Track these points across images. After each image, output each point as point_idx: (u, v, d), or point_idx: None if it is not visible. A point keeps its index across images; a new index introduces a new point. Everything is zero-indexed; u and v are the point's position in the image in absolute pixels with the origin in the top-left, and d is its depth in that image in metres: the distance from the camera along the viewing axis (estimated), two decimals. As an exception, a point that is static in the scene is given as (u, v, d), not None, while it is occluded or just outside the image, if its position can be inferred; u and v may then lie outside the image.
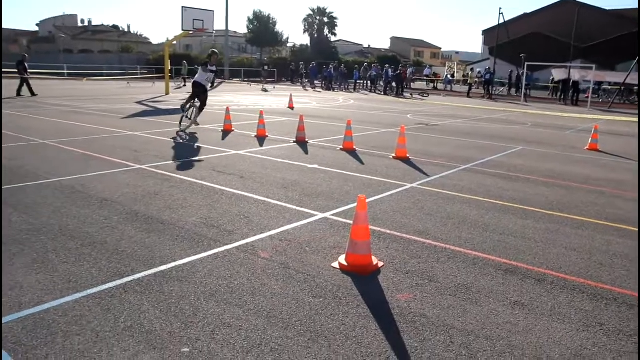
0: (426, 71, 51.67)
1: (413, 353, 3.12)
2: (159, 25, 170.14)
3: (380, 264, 4.46)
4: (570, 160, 10.70)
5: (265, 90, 32.40)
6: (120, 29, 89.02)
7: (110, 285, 3.87)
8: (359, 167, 8.77)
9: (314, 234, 5.23)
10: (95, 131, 12.02)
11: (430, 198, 6.85)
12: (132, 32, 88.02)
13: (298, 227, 5.40)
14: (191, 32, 27.50)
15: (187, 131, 12.47)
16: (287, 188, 7.05)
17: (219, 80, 14.42)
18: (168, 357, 2.97)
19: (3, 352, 2.92)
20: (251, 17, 61.13)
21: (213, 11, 26.93)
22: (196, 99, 12.54)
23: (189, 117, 12.63)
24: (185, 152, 9.50)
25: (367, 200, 6.34)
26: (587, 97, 32.60)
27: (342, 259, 4.42)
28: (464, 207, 6.45)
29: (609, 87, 37.17)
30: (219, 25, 48.02)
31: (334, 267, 4.36)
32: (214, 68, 12.35)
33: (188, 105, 12.63)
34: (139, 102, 21.28)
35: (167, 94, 26.80)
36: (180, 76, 36.17)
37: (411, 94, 35.15)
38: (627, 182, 8.63)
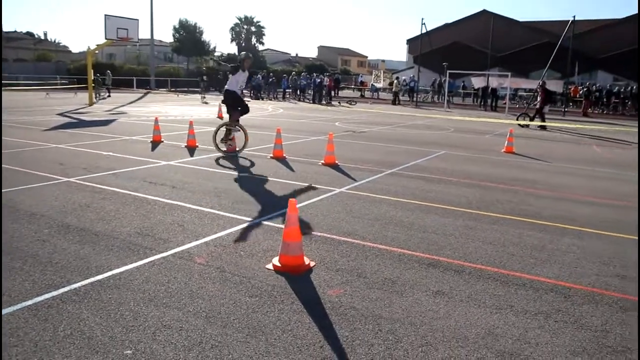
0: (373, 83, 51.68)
1: (344, 341, 3.40)
2: (79, 33, 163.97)
3: (312, 263, 4.72)
4: (488, 162, 11.44)
5: (206, 103, 31.63)
6: (36, 36, 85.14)
7: (46, 296, 3.91)
8: (289, 174, 9.02)
9: (247, 238, 5.42)
10: (17, 144, 11.62)
11: (358, 201, 7.20)
12: (49, 39, 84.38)
13: (232, 233, 5.58)
14: (115, 41, 26.85)
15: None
16: (219, 196, 7.19)
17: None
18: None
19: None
20: (177, 26, 60.27)
21: (138, 20, 26.49)
22: (234, 113, 11.05)
23: (228, 137, 11.05)
24: (114, 164, 9.40)
25: (298, 205, 6.61)
26: (505, 103, 34.59)
27: (275, 261, 4.65)
28: (390, 209, 6.85)
29: (525, 94, 39.47)
30: (144, 33, 47.00)
31: (268, 269, 4.58)
32: (246, 73, 11.04)
33: (231, 129, 11.08)
34: (61, 114, 20.57)
35: (90, 104, 26.04)
36: (104, 86, 35.12)
37: (339, 102, 35.87)
38: (539, 180, 9.38)
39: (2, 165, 8.59)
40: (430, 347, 3.38)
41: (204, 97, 34.30)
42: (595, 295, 4.36)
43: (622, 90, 37.52)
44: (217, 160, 10.24)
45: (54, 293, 3.96)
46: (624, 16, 51.99)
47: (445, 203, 7.29)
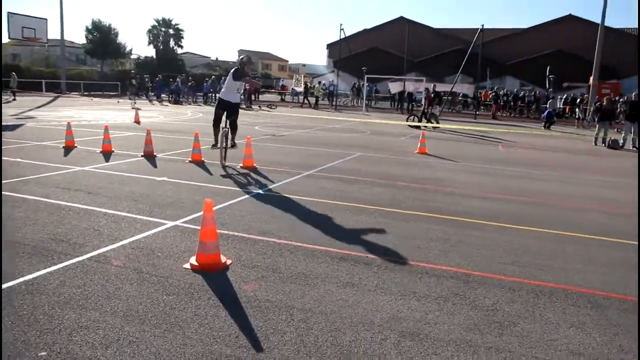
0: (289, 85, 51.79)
1: (259, 331, 3.60)
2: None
3: (229, 261, 4.88)
4: (402, 163, 12.01)
5: (138, 109, 30.27)
6: None
7: (-46, 304, 3.83)
8: (207, 178, 9.10)
9: (165, 240, 5.50)
10: None
11: (274, 202, 7.42)
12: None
13: (149, 236, 5.63)
14: (20, 40, 25.53)
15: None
16: (136, 200, 7.17)
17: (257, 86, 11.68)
18: (25, 361, 3.11)
19: None
20: (90, 27, 57.87)
21: (46, 19, 25.49)
22: (225, 122, 10.37)
23: (224, 146, 10.34)
24: (24, 171, 9.07)
25: (216, 207, 6.75)
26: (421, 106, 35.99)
27: (192, 260, 4.77)
28: (305, 208, 7.12)
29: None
30: (53, 34, 44.81)
31: (186, 268, 4.70)
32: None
33: (219, 136, 10.34)
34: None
35: (-5, 109, 24.54)
36: (8, 89, 33.15)
37: (259, 106, 35.96)
38: (447, 179, 10.00)
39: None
40: (338, 332, 3.65)
41: (135, 103, 32.82)
42: (490, 279, 4.81)
43: (527, 95, 40.14)
44: (134, 165, 10.11)
45: (-38, 301, 3.88)
46: (529, 26, 55.72)
47: (359, 202, 7.66)
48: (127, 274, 4.52)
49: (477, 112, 35.08)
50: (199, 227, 5.64)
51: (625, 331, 3.88)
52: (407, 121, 23.60)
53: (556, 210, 7.91)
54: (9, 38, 24.11)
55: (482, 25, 33.20)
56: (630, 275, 5.11)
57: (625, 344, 3.68)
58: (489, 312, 4.10)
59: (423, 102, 25.47)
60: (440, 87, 40.83)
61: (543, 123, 27.95)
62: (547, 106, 30.18)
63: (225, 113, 10.26)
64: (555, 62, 40.67)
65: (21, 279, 4.33)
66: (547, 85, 36.62)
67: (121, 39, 64.25)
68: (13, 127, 16.78)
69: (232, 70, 10.36)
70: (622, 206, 8.45)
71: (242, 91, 10.51)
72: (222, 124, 10.34)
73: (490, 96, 38.51)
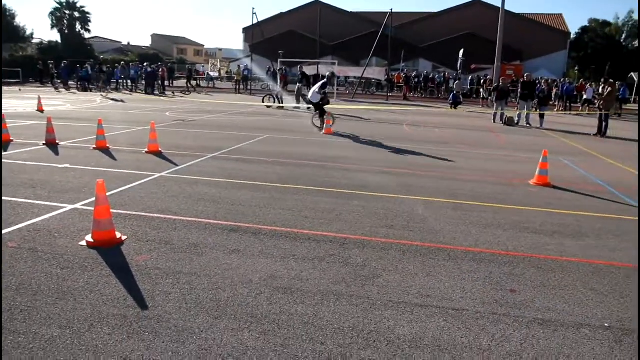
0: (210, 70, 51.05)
1: (146, 294, 3.99)
2: None
3: (124, 237, 5.20)
4: (307, 143, 12.56)
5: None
6: None
7: None
8: (111, 163, 9.22)
9: (63, 222, 5.71)
10: None
11: (175, 183, 7.73)
12: None
13: (47, 219, 5.81)
14: None
15: None
16: (35, 187, 7.24)
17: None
18: None
19: None
20: (-17, 9, 54.08)
21: None
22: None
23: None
24: None
25: (118, 190, 6.99)
26: (336, 89, 36.76)
27: (88, 237, 5.05)
28: (204, 188, 7.48)
29: (355, 80, 42.20)
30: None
31: (82, 245, 4.98)
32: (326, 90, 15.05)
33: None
34: None
35: None
36: None
37: (173, 92, 35.41)
38: (345, 156, 10.64)
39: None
40: (219, 290, 4.10)
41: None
42: (364, 241, 5.43)
43: (437, 76, 41.97)
44: (35, 153, 10.01)
45: None
46: (440, 9, 57.87)
47: (257, 180, 8.11)
48: (22, 254, 4.74)
49: (390, 94, 36.32)
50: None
51: (473, 277, 4.59)
52: (262, 102, 25.40)
53: (441, 181, 8.72)
54: None
55: (391, 9, 34.34)
56: (491, 231, 5.91)
57: (468, 287, 4.37)
58: (358, 268, 4.70)
59: (279, 82, 27.60)
60: (353, 72, 42.04)
61: (450, 104, 29.47)
62: (454, 87, 31.82)
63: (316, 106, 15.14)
64: (466, 44, 42.59)
65: None
66: (458, 67, 38.45)
67: (19, 21, 60.60)
68: None
69: (323, 81, 15.40)
70: (500, 175, 9.41)
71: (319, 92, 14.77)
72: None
73: (402, 78, 39.92)
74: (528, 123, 20.17)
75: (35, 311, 3.66)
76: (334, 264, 4.75)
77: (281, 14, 64.64)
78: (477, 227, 6.09)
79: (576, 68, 53.12)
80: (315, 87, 15.23)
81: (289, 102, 24.99)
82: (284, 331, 3.52)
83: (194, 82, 39.74)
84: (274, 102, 24.89)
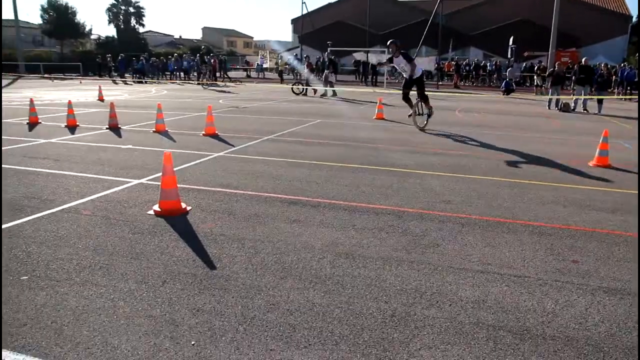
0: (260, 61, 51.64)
1: (213, 256, 4.17)
2: None
3: (189, 207, 5.42)
4: (359, 128, 12.61)
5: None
6: None
7: (-60, 247, 4.28)
8: (171, 144, 9.54)
9: (131, 194, 5.99)
10: None
11: (233, 162, 7.94)
12: None
13: (116, 191, 6.10)
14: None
15: None
16: (103, 165, 7.60)
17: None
18: (8, 286, 3.61)
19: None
20: (45, 6, 56.49)
21: None
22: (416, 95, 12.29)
23: (421, 112, 12.58)
24: (-9, 144, 9.36)
25: (179, 168, 7.25)
26: (385, 78, 36.61)
27: (155, 207, 5.29)
28: (262, 166, 7.67)
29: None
30: (6, 14, 43.70)
31: (149, 214, 5.22)
32: (400, 59, 11.75)
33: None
34: None
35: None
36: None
37: (224, 82, 36.05)
38: (399, 139, 10.64)
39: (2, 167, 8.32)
40: (282, 254, 4.24)
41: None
42: (422, 214, 5.46)
43: (488, 64, 41.09)
44: (100, 136, 10.46)
45: (-53, 245, 4.34)
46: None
47: (313, 159, 8.23)
48: (96, 220, 5.01)
49: (440, 83, 35.84)
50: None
51: (533, 248, 4.56)
52: (291, 90, 25.61)
53: (496, 162, 8.61)
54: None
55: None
56: (550, 207, 5.83)
57: (529, 257, 4.36)
58: (417, 237, 4.74)
59: (305, 70, 27.64)
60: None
61: (502, 91, 28.82)
62: (507, 74, 31.09)
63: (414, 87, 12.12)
64: (518, 31, 41.43)
65: (-2, 228, 4.78)
66: (509, 55, 37.55)
67: (80, 18, 62.91)
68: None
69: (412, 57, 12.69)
70: (557, 157, 9.21)
71: (409, 70, 11.72)
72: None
73: (452, 67, 39.30)
74: (585, 109, 19.51)
75: (112, 268, 3.89)
76: (393, 234, 4.81)
77: (329, 4, 64.60)
78: (535, 204, 6.01)
79: (638, 54, 50.81)
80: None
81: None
82: (348, 291, 3.61)
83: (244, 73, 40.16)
84: (303, 90, 25.23)
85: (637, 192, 6.63)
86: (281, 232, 4.78)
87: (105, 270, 3.85)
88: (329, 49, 36.09)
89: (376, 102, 16.06)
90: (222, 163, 7.85)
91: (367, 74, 38.71)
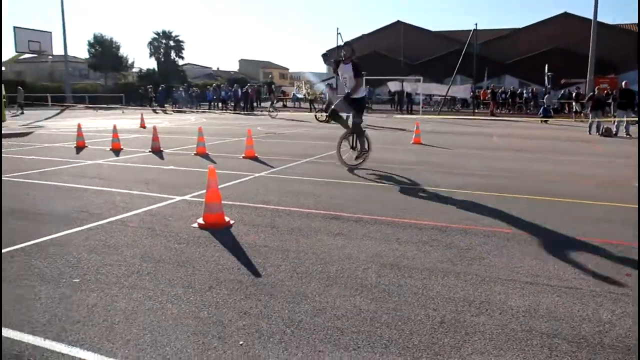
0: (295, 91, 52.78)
1: (258, 265, 4.19)
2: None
3: (232, 221, 5.47)
4: (395, 151, 12.60)
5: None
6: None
7: (-5, 254, 4.43)
8: (212, 166, 9.69)
9: (175, 209, 6.10)
10: None
11: (273, 181, 8.02)
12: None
13: (161, 206, 6.23)
14: (27, 53, 26.27)
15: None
16: (147, 183, 7.78)
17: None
18: (62, 287, 3.70)
19: None
20: (92, 41, 58.88)
21: (50, 32, 26.20)
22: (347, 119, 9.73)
23: (354, 146, 9.68)
24: (40, 165, 9.69)
25: (221, 186, 7.31)
26: (421, 107, 36.73)
27: (200, 220, 5.37)
28: (302, 185, 7.72)
29: (439, 99, 41.81)
30: (56, 49, 45.59)
31: (194, 227, 5.30)
32: (348, 67, 9.08)
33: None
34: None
35: (3, 120, 25.28)
36: (16, 104, 34.05)
37: (261, 111, 36.64)
38: (437, 162, 10.58)
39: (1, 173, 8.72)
40: (327, 264, 4.22)
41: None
42: (466, 229, 5.38)
43: (524, 92, 40.72)
44: (143, 158, 10.73)
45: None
46: (523, 25, 56.26)
47: (352, 179, 8.25)
48: (142, 232, 5.11)
49: (476, 110, 35.64)
50: (204, 200, 6.26)
51: (584, 261, 4.43)
52: (315, 118, 25.78)
53: (537, 183, 8.45)
54: (16, 51, 24.78)
55: (476, 25, 33.84)
56: (599, 225, 5.67)
57: (579, 270, 4.23)
58: (462, 250, 4.67)
59: (328, 96, 27.50)
60: (437, 90, 41.62)
61: (540, 118, 28.46)
62: (544, 101, 30.73)
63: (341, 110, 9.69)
64: (554, 59, 41.12)
65: (49, 237, 4.93)
66: (546, 82, 37.14)
67: (123, 52, 65.10)
68: (25, 134, 17.49)
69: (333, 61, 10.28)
70: (601, 178, 8.99)
71: (350, 85, 9.12)
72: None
73: (488, 95, 39.08)
74: (628, 133, 19.04)
75: (159, 274, 3.95)
76: (437, 247, 4.75)
77: (363, 35, 65.33)
78: (583, 221, 5.86)
79: (638, 61, 49.11)
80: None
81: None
82: (395, 298, 3.57)
83: (279, 104, 40.81)
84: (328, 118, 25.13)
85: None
86: (324, 244, 4.77)
87: (152, 276, 3.91)
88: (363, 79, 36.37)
89: (413, 129, 16.03)
90: (262, 182, 7.93)
91: (403, 102, 38.78)
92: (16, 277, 3.88)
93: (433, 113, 35.20)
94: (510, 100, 40.28)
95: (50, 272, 3.99)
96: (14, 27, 24.42)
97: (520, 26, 57.12)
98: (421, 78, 36.03)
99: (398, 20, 58.89)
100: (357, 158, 9.55)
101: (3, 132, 18.14)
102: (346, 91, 9.20)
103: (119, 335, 3.00)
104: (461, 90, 40.58)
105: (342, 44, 9.04)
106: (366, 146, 9.56)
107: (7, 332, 3.02)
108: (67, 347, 2.85)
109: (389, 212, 6.07)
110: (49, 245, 4.68)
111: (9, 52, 56.57)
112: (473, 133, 19.70)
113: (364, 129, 9.72)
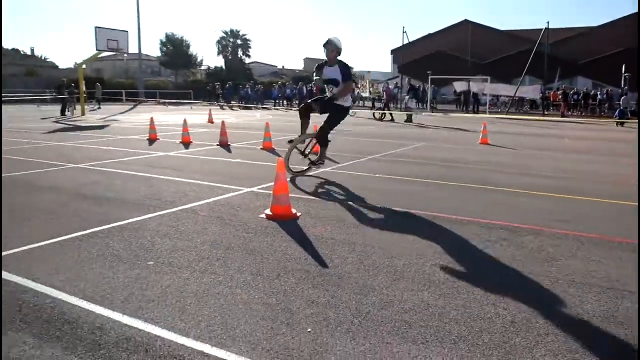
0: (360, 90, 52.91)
1: (325, 256, 4.21)
2: (65, 50, 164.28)
3: (299, 213, 5.53)
4: (462, 151, 12.33)
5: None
6: (22, 52, 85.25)
7: (77, 235, 4.68)
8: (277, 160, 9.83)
9: (243, 200, 6.23)
10: (21, 143, 12.35)
11: (339, 177, 8.05)
12: (36, 55, 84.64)
13: (229, 197, 6.38)
14: (106, 52, 27.55)
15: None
16: (216, 175, 7.99)
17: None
18: (137, 268, 3.87)
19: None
20: (164, 40, 61.12)
21: (127, 32, 27.30)
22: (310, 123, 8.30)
23: (306, 154, 8.17)
24: (116, 156, 10.15)
25: (287, 179, 7.42)
26: (488, 108, 35.80)
27: (267, 211, 5.46)
28: (367, 181, 7.70)
29: (507, 100, 40.63)
30: (132, 48, 47.58)
31: (262, 217, 5.39)
32: (335, 70, 7.57)
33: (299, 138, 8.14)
34: (57, 122, 21.28)
35: (82, 114, 26.69)
36: (94, 99, 35.94)
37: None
38: (506, 162, 10.29)
39: (4, 157, 9.32)
40: (394, 259, 4.20)
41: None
42: (537, 231, 5.19)
43: (598, 94, 38.87)
44: (211, 151, 11.03)
45: (81, 233, 4.74)
46: (599, 24, 53.65)
47: (416, 177, 8.15)
48: (212, 220, 5.26)
49: (546, 112, 34.39)
50: (271, 192, 6.36)
51: (662, 266, 4.19)
52: (373, 116, 25.93)
53: (614, 186, 8.05)
54: (97, 49, 26.02)
55: (548, 24, 32.63)
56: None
57: (660, 275, 4.00)
58: (534, 252, 4.52)
59: (384, 97, 27.91)
60: (505, 90, 40.41)
61: (616, 121, 27.10)
62: (620, 103, 29.25)
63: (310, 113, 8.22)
64: (631, 59, 38.99)
65: (126, 222, 5.15)
66: (623, 84, 35.33)
67: (193, 50, 67.24)
68: (102, 127, 18.38)
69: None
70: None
71: (336, 91, 7.72)
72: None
73: (559, 96, 37.59)
74: None
75: (229, 261, 4.04)
76: (507, 247, 4.62)
77: (429, 35, 64.32)
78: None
79: (638, 59, 45.40)
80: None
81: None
82: (464, 295, 3.50)
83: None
84: (382, 115, 25.47)
85: None
86: (391, 239, 4.75)
87: (222, 262, 4.01)
88: (429, 78, 35.89)
89: (479, 130, 15.64)
90: (328, 177, 7.98)
91: (469, 103, 37.97)
92: (97, 257, 4.08)
93: (500, 114, 34.20)
94: (583, 102, 38.57)
95: (127, 254, 4.17)
96: (95, 27, 25.63)
97: (595, 25, 54.40)
98: (489, 78, 35.06)
99: (465, 20, 57.59)
100: (310, 165, 7.95)
101: (84, 125, 19.16)
102: (331, 94, 7.66)
103: (191, 316, 3.10)
104: (530, 91, 39.28)
105: (325, 42, 7.62)
106: (324, 159, 7.99)
107: (89, 306, 3.18)
108: (143, 323, 2.98)
109: (457, 210, 5.95)
110: (125, 229, 4.90)
111: (89, 51, 59.40)
112: (543, 135, 19.00)
113: (329, 140, 8.14)
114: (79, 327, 2.93)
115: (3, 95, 40.47)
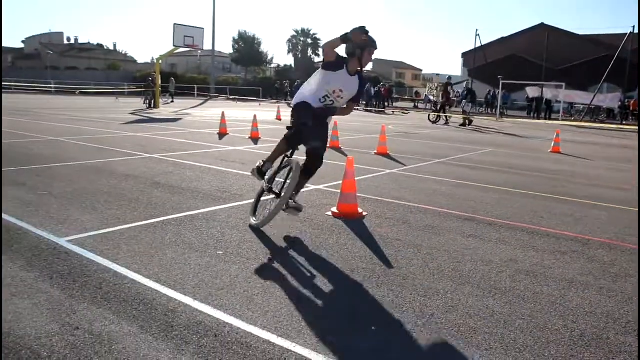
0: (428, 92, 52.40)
1: (390, 256, 4.24)
2: (144, 45, 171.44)
3: (365, 213, 5.57)
4: (532, 158, 11.98)
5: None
6: (105, 47, 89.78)
7: (151, 221, 4.93)
8: (344, 159, 9.89)
9: (310, 197, 6.33)
10: (101, 132, 13.04)
11: (406, 179, 8.01)
12: (118, 50, 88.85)
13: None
14: (182, 47, 28.54)
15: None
16: (283, 171, 8.13)
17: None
18: (207, 257, 4.03)
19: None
20: (236, 37, 62.58)
21: (203, 29, 28.19)
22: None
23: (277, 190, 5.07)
24: (189, 148, 10.54)
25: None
26: (560, 115, 34.46)
27: (334, 209, 5.53)
28: (434, 184, 7.62)
29: (582, 108, 38.97)
30: (206, 45, 49.08)
31: (328, 215, 5.47)
32: (353, 82, 5.11)
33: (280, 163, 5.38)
34: (133, 113, 22.27)
35: (157, 107, 27.78)
36: (167, 92, 37.36)
37: (392, 111, 36.62)
38: (578, 172, 9.90)
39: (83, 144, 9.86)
40: (459, 264, 4.16)
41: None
42: (610, 244, 5.00)
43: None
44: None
45: (157, 220, 4.98)
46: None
47: (483, 183, 8.00)
48: (278, 215, 5.35)
49: (624, 122, 32.72)
50: (337, 191, 6.43)
51: None
52: (428, 118, 25.61)
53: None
54: (174, 45, 27.08)
55: (633, 27, 30.98)
56: None
57: None
58: (606, 265, 4.36)
59: (441, 97, 26.77)
60: (580, 98, 38.66)
61: None
62: None
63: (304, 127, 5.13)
64: None
65: (198, 211, 5.37)
66: None
67: (263, 48, 68.42)
68: (175, 120, 19.10)
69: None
70: None
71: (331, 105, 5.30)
72: None
73: (640, 105, 35.66)
74: None
75: (295, 256, 4.16)
76: (578, 259, 4.48)
77: (502, 38, 62.52)
78: None
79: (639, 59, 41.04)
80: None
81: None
82: (530, 305, 3.43)
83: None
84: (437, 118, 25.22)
85: None
86: (457, 243, 4.71)
87: (288, 257, 4.13)
88: (501, 82, 34.90)
89: (552, 137, 15.10)
90: (394, 179, 7.97)
91: (540, 110, 36.69)
92: (169, 243, 4.29)
93: (574, 121, 32.85)
94: (666, 112, 36.38)
95: (198, 242, 4.35)
96: (174, 24, 26.68)
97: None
98: (563, 84, 33.71)
99: (542, 23, 55.62)
100: (288, 208, 4.81)
101: (158, 117, 19.95)
102: (335, 105, 5.21)
103: (259, 305, 3.21)
104: (608, 99, 37.45)
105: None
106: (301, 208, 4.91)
107: (163, 289, 3.36)
108: (213, 309, 3.11)
109: (525, 218, 5.82)
110: (196, 218, 5.10)
111: (166, 47, 61.71)
112: (619, 145, 18.13)
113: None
114: (153, 308, 3.10)
115: (87, 88, 42.65)
